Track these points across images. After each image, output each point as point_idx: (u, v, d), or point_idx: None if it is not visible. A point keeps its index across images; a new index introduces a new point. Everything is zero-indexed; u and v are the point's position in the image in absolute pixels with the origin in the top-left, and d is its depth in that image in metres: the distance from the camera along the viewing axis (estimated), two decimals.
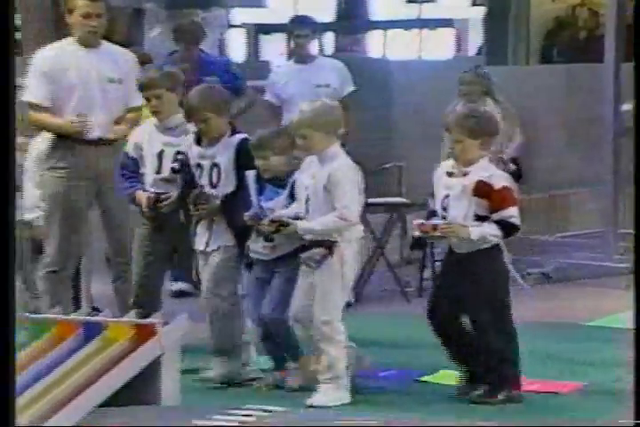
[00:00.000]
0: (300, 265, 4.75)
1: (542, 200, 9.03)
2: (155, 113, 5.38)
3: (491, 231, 4.61)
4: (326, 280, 4.68)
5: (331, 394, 4.63)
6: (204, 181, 5.12)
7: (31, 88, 5.71)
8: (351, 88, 7.37)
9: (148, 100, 5.39)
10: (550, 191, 9.04)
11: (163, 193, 5.27)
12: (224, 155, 5.07)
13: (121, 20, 9.16)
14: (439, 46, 18.74)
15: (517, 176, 7.83)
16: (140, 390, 4.40)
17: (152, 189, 5.32)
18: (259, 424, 4.25)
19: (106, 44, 5.80)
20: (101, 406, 4.25)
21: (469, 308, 4.69)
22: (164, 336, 4.50)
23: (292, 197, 4.91)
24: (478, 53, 15.17)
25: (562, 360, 5.39)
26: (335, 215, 4.64)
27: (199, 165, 5.14)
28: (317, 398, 4.61)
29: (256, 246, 4.94)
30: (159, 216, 5.29)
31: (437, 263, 7.67)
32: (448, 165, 4.80)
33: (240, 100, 7.10)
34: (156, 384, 4.47)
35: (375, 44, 19.21)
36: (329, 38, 17.54)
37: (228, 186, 5.07)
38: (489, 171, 4.71)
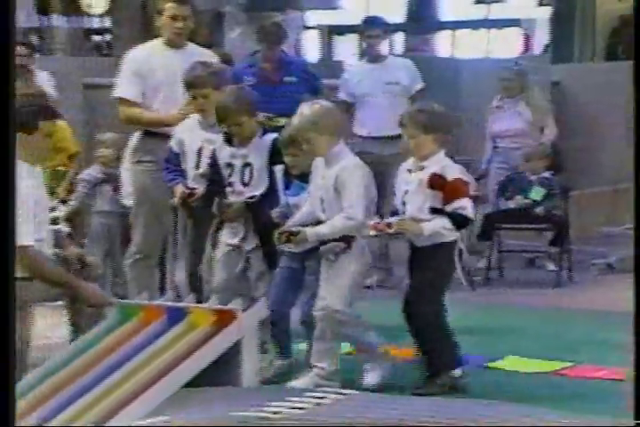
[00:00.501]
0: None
1: (607, 193, 8.96)
2: (200, 111, 5.35)
3: (443, 225, 4.50)
4: (337, 272, 4.64)
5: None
6: (235, 179, 5.09)
7: (122, 86, 5.80)
8: (420, 85, 7.33)
9: (194, 97, 5.36)
10: (615, 185, 8.97)
11: (194, 188, 5.27)
12: (257, 155, 5.03)
13: (203, 23, 9.20)
14: (506, 45, 18.59)
15: (558, 168, 7.83)
16: (221, 372, 4.43)
17: (193, 184, 5.31)
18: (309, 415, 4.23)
19: (191, 45, 5.88)
20: (185, 386, 4.28)
21: (412, 300, 4.64)
22: (243, 321, 4.53)
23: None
24: (544, 52, 15.06)
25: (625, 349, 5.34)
26: (342, 216, 4.56)
27: (230, 165, 5.10)
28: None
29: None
30: (194, 210, 5.30)
31: (503, 253, 7.72)
32: (409, 162, 4.72)
33: (317, 98, 7.10)
34: (237, 367, 4.49)
35: (444, 44, 19.13)
36: (399, 38, 17.49)
37: (260, 185, 5.04)
38: (443, 163, 4.60)
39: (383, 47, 7.67)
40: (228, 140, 5.12)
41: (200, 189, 5.26)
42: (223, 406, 4.20)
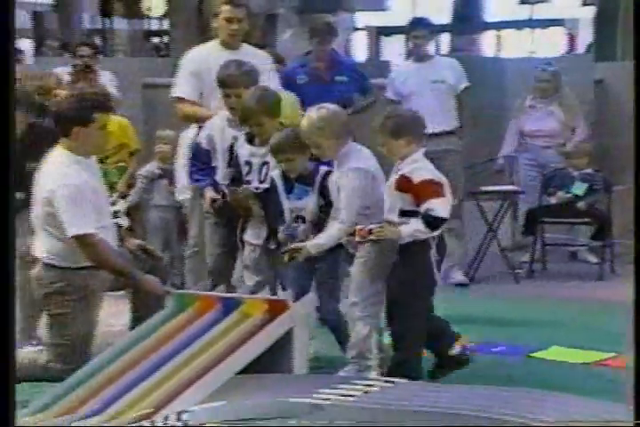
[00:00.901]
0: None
1: None
2: (231, 109, 5.33)
3: (416, 227, 4.42)
4: (356, 264, 4.63)
5: (354, 372, 4.61)
6: (252, 177, 5.09)
7: (180, 85, 5.85)
8: (466, 84, 7.29)
9: (226, 95, 5.35)
10: None
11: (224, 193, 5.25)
12: None
13: (257, 25, 9.23)
14: (550, 45, 18.44)
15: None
16: (273, 360, 4.44)
17: (223, 182, 5.30)
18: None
19: (245, 46, 5.90)
20: (239, 373, 4.29)
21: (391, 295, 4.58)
22: (294, 311, 4.54)
23: (322, 195, 4.81)
24: (587, 51, 14.91)
25: None
26: (336, 222, 4.58)
27: (248, 163, 5.11)
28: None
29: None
30: (222, 211, 5.29)
31: (547, 247, 7.67)
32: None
33: (365, 98, 7.11)
34: (288, 355, 4.50)
35: (489, 44, 19.03)
36: (446, 39, 17.43)
37: None
38: (413, 165, 4.49)
39: (429, 47, 7.66)
40: (250, 140, 5.13)
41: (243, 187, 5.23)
42: (276, 393, 4.22)
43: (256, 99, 5.05)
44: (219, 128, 5.37)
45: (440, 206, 4.41)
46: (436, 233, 4.47)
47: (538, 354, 5.12)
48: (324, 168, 4.85)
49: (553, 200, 7.64)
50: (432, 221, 4.41)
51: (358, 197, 4.60)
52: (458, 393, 4.23)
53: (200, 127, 5.78)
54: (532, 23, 18.54)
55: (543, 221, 7.54)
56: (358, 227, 4.55)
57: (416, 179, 4.44)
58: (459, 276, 6.93)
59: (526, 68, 9.96)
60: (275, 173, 4.95)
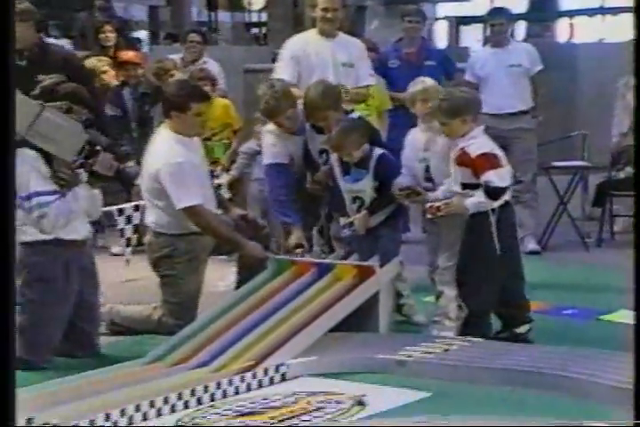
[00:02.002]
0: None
1: None
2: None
3: (479, 199, 4.33)
4: (447, 231, 4.54)
5: (436, 332, 4.54)
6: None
7: (281, 68, 5.81)
8: (540, 67, 7.13)
9: None
10: None
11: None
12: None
13: (347, 15, 9.15)
14: (620, 30, 17.93)
15: None
16: (361, 320, 4.42)
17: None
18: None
19: (341, 35, 5.87)
20: (330, 331, 4.28)
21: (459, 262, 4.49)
22: (380, 276, 4.51)
23: (376, 177, 4.72)
24: None
25: None
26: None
27: (323, 151, 5.03)
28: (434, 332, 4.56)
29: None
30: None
31: (614, 218, 7.50)
32: None
33: (451, 81, 7.03)
34: (374, 315, 4.48)
35: (562, 30, 18.63)
36: (521, 26, 17.12)
37: None
38: (470, 141, 4.39)
39: (506, 34, 7.49)
40: (319, 130, 5.03)
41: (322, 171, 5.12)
42: (363, 350, 4.21)
43: (319, 94, 4.96)
44: (297, 112, 5.24)
45: (497, 177, 4.33)
46: (497, 203, 4.37)
47: (606, 317, 4.99)
48: (378, 151, 4.77)
49: (621, 175, 7.44)
50: (492, 192, 4.33)
51: None
52: (532, 352, 4.17)
53: None
54: (603, 10, 18.08)
55: (612, 194, 7.36)
56: (428, 205, 4.51)
57: (473, 153, 4.36)
58: (532, 244, 6.80)
59: (596, 53, 9.75)
60: (332, 157, 4.88)
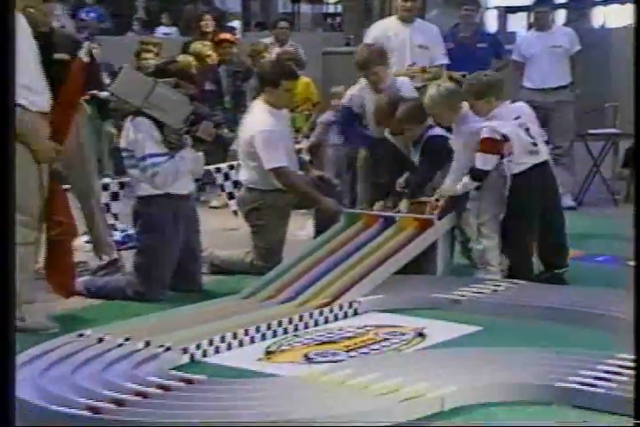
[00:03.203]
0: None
1: None
2: (372, 83, 5.13)
3: (464, 181, 4.23)
4: (483, 192, 4.37)
5: (486, 274, 4.38)
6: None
7: None
8: (578, 48, 6.94)
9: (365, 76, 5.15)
10: None
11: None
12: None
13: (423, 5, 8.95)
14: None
15: None
16: (421, 264, 4.36)
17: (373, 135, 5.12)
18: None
19: (418, 21, 5.79)
20: (395, 274, 4.22)
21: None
22: (438, 227, 4.41)
23: (422, 153, 4.60)
24: None
25: None
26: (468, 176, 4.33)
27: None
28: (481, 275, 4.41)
29: None
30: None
31: None
32: None
33: (501, 61, 6.86)
34: (433, 261, 4.41)
35: (597, 17, 18.06)
36: (562, 13, 16.62)
37: None
38: (486, 123, 4.22)
39: (549, 19, 7.27)
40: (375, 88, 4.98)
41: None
42: (423, 290, 4.14)
43: (365, 52, 4.94)
44: (368, 95, 5.18)
45: (481, 160, 4.19)
46: (477, 184, 4.25)
47: (633, 262, 4.82)
48: (431, 133, 4.64)
49: None
50: (473, 173, 4.23)
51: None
52: (569, 293, 4.08)
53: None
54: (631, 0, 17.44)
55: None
56: (428, 206, 4.42)
57: (482, 135, 4.23)
58: (569, 201, 6.63)
59: (625, 36, 9.40)
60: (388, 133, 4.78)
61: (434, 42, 5.69)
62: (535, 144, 4.30)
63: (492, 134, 4.23)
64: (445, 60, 5.71)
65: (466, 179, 4.28)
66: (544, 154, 4.38)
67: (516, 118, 4.31)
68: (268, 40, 7.66)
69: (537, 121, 4.47)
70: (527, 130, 4.29)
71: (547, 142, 4.77)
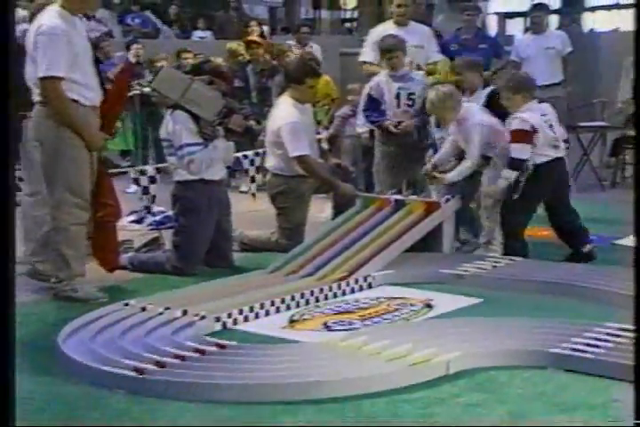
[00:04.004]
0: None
1: None
2: (392, 68, 5.04)
3: (504, 174, 4.14)
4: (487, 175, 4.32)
5: (484, 252, 4.33)
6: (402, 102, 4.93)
7: (366, 52, 5.66)
8: (570, 49, 6.86)
9: (389, 58, 5.04)
10: None
11: (400, 121, 4.97)
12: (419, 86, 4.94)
13: (419, 10, 8.83)
14: (630, 21, 16.99)
15: None
16: (428, 243, 4.31)
17: (393, 119, 5.00)
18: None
19: (412, 23, 5.69)
20: (405, 251, 4.17)
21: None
22: (444, 210, 4.35)
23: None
24: None
25: None
26: (467, 162, 4.33)
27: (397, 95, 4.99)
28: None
29: None
30: (398, 137, 5.00)
31: (625, 165, 7.16)
32: None
33: (500, 61, 6.76)
34: (439, 240, 4.35)
35: (587, 21, 17.79)
36: (555, 18, 16.40)
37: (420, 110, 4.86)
38: (519, 114, 4.13)
39: (544, 24, 7.13)
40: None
41: (406, 121, 4.97)
42: (430, 266, 4.09)
43: (394, 40, 4.97)
44: (386, 83, 5.10)
45: (516, 150, 4.11)
46: (516, 173, 4.13)
47: (618, 242, 4.76)
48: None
49: (632, 133, 7.07)
50: (511, 164, 4.14)
51: (479, 143, 4.29)
52: (562, 268, 4.01)
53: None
54: (618, 6, 17.16)
55: (624, 147, 7.06)
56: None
57: (512, 127, 4.17)
58: None
59: (612, 39, 9.30)
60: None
61: (428, 41, 5.64)
62: (557, 139, 4.23)
63: (523, 125, 4.14)
64: (439, 57, 5.66)
65: (506, 172, 4.14)
66: (562, 150, 4.30)
67: (542, 115, 4.24)
68: (291, 42, 7.66)
69: (558, 121, 4.38)
70: (551, 126, 4.23)
71: (565, 141, 4.69)
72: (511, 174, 4.15)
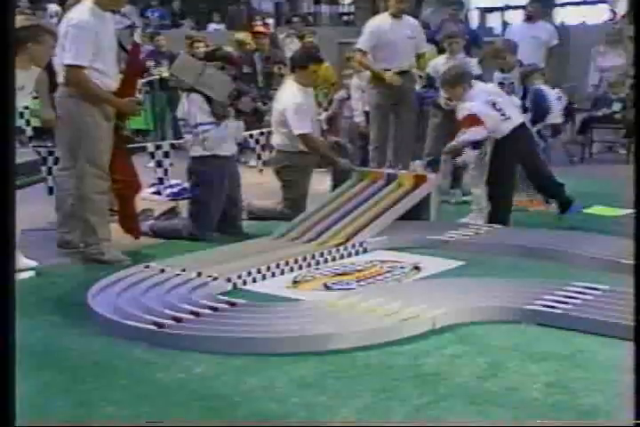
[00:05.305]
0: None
1: None
2: (452, 50, 5.19)
3: (468, 152, 4.23)
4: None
5: (475, 219, 4.28)
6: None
7: (362, 42, 5.48)
8: (555, 42, 6.84)
9: (450, 44, 5.22)
10: None
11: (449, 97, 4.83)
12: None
13: (410, 4, 8.67)
14: (595, 16, 16.70)
15: None
16: (418, 211, 4.24)
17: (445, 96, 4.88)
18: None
19: (405, 16, 5.50)
20: (396, 220, 4.10)
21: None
22: (431, 182, 4.28)
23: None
24: (623, 18, 13.40)
25: None
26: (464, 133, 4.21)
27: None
28: (466, 220, 4.31)
29: None
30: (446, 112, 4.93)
31: (593, 143, 7.08)
32: None
33: (479, 50, 6.65)
34: (427, 209, 4.28)
35: (557, 16, 17.52)
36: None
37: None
38: (461, 105, 4.14)
39: (538, 14, 7.04)
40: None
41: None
42: (419, 233, 4.03)
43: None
44: (441, 64, 5.13)
45: (470, 134, 4.07)
46: (477, 151, 4.18)
47: (586, 210, 4.68)
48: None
49: (599, 113, 6.99)
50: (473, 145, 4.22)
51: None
52: (540, 235, 3.95)
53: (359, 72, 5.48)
54: (585, 3, 16.89)
55: (592, 127, 6.96)
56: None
57: (460, 115, 4.14)
58: None
59: (580, 31, 9.19)
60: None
61: (418, 33, 5.48)
62: (504, 114, 4.13)
63: (466, 113, 4.09)
64: (427, 48, 5.56)
65: (468, 151, 4.21)
66: (516, 119, 4.20)
67: (486, 98, 4.14)
68: (291, 31, 7.71)
69: (505, 94, 4.33)
70: (494, 105, 4.12)
71: (525, 110, 4.59)
72: (473, 152, 4.19)
